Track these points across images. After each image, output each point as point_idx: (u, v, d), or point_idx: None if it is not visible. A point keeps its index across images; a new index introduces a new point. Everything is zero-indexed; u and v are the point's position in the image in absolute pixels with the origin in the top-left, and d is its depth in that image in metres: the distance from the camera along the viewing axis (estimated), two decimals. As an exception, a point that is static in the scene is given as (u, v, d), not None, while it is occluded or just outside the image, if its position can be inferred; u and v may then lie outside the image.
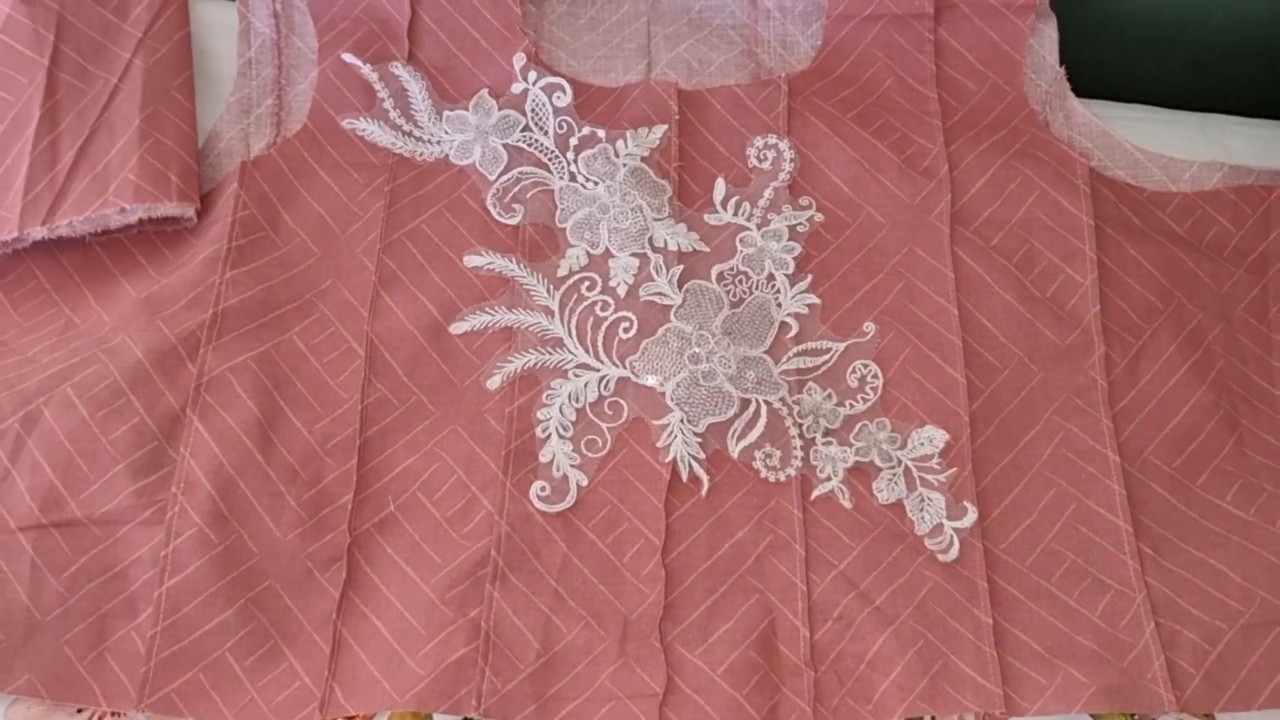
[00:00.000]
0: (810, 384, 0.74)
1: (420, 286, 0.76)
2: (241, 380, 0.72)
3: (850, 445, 0.72)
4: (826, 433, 0.73)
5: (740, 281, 0.76)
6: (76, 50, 0.78)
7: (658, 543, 0.69)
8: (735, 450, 0.72)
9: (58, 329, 0.74)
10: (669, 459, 0.71)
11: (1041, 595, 0.68)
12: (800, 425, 0.72)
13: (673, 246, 0.76)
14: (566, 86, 0.80)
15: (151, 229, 0.77)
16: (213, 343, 0.72)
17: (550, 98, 0.80)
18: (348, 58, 0.81)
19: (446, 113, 0.80)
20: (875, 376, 0.74)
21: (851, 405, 0.74)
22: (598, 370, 0.74)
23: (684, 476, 0.71)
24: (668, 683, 0.65)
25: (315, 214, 0.77)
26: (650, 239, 0.77)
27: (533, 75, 0.80)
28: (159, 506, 0.68)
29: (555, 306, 0.75)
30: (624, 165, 0.78)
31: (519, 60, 0.80)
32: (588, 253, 0.77)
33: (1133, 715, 0.66)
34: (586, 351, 0.74)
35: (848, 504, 0.71)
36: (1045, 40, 0.82)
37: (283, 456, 0.70)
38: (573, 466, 0.71)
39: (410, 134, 0.80)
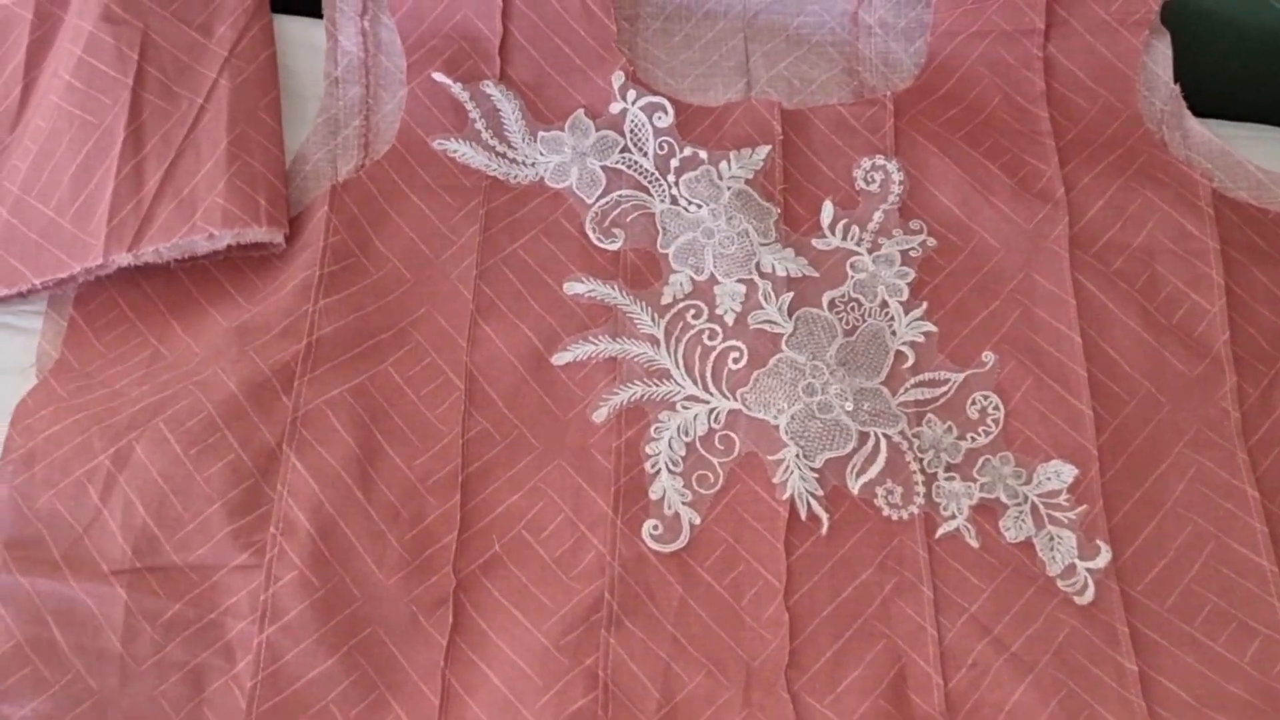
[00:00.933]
0: (929, 416, 0.71)
1: (520, 315, 0.72)
2: (338, 414, 0.68)
3: (974, 480, 0.69)
4: (948, 468, 0.69)
5: (852, 309, 0.73)
6: (161, 70, 0.75)
7: (778, 585, 0.66)
8: (855, 487, 0.68)
9: (145, 360, 0.71)
10: (786, 496, 0.68)
11: (1185, 640, 0.65)
12: (921, 460, 0.69)
13: (781, 272, 0.73)
14: (668, 106, 0.77)
15: (238, 254, 0.74)
16: (307, 375, 0.69)
17: (650, 118, 0.77)
18: (438, 77, 0.78)
19: (541, 133, 0.77)
20: (996, 408, 0.71)
21: (973, 439, 0.70)
22: (707, 402, 0.70)
23: (802, 515, 0.68)
24: (798, 734, 0.62)
25: (407, 239, 0.74)
26: (757, 264, 0.74)
27: (632, 94, 0.77)
28: (257, 549, 0.65)
29: (660, 335, 0.72)
30: (728, 188, 0.75)
31: (618, 79, 0.77)
32: (692, 279, 0.74)
33: (1288, 768, 0.63)
34: (695, 383, 0.71)
35: (974, 543, 0.67)
36: (1159, 57, 0.79)
37: (383, 494, 0.67)
38: (684, 504, 0.68)
39: (504, 155, 0.77)
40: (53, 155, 0.73)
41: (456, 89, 0.78)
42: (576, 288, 0.73)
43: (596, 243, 0.75)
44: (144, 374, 0.70)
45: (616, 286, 0.73)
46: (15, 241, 0.72)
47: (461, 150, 0.77)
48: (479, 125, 0.77)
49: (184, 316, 0.73)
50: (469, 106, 0.77)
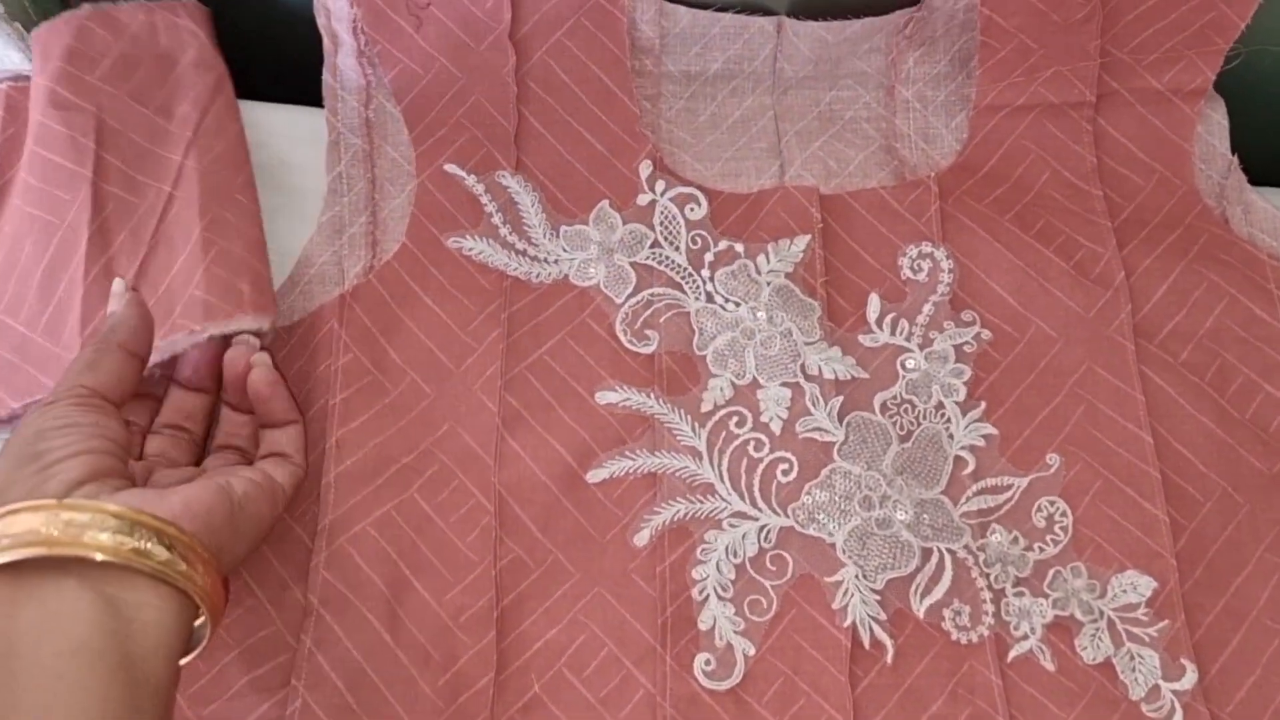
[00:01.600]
0: (994, 526, 0.66)
1: (549, 428, 0.67)
2: (363, 552, 0.63)
3: (1045, 596, 0.64)
4: (1017, 582, 0.65)
5: (905, 411, 0.68)
6: (121, 158, 0.69)
7: (844, 722, 0.61)
8: (921, 609, 0.64)
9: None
10: (848, 623, 0.63)
11: (1283, 768, 0.61)
12: (988, 575, 0.64)
13: (829, 374, 0.68)
14: (701, 198, 0.72)
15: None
16: (329, 515, 0.64)
17: (683, 210, 0.72)
18: (450, 168, 0.72)
19: (564, 228, 0.72)
20: (1064, 515, 0.66)
21: (1041, 549, 0.66)
22: (756, 519, 0.65)
23: (865, 642, 0.63)
24: None
25: (424, 349, 0.69)
26: (802, 366, 0.69)
27: (661, 185, 0.72)
28: (278, 700, 0.59)
29: (703, 447, 0.67)
30: (768, 283, 0.70)
31: (645, 168, 0.72)
32: (733, 383, 0.69)
33: None
34: (741, 498, 0.66)
35: (1050, 665, 0.63)
36: (1214, 127, 0.75)
37: (413, 636, 0.62)
38: (736, 633, 0.63)
39: (524, 253, 0.72)
40: (17, 264, 0.67)
41: (470, 181, 0.72)
42: (610, 396, 0.68)
43: (629, 345, 0.70)
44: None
45: (652, 394, 0.68)
46: None
47: (478, 248, 0.71)
48: (496, 220, 0.72)
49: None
50: (484, 200, 0.72)
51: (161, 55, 0.72)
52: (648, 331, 0.70)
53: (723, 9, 0.74)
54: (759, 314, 0.69)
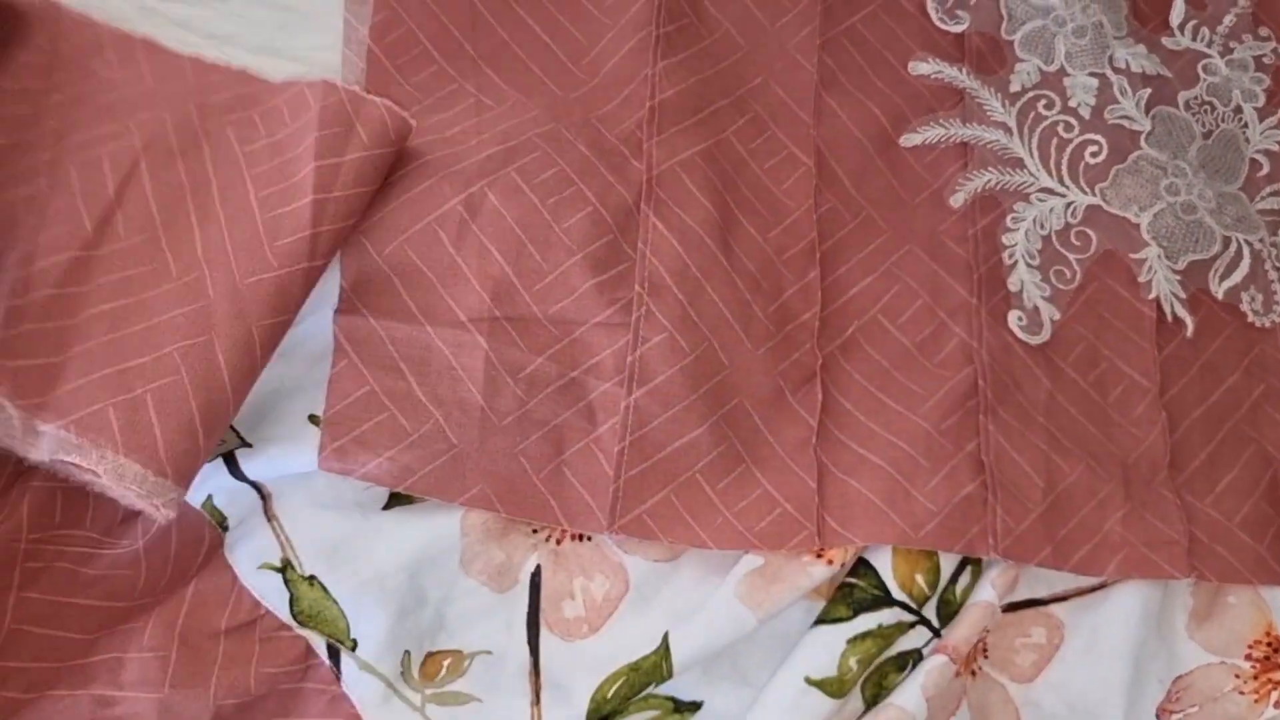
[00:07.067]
0: (1283, 227, 0.68)
1: (864, 91, 0.68)
2: (692, 176, 0.63)
3: (1332, 294, 0.67)
4: (1304, 279, 0.67)
5: (1206, 111, 0.70)
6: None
7: (1147, 385, 0.63)
8: (1220, 291, 0.66)
9: (469, 109, 0.65)
10: (1151, 296, 0.65)
11: None
12: (1279, 268, 0.67)
13: (1135, 68, 0.69)
14: (1024, -117, 0.72)
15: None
16: (655, 137, 0.64)
17: (1003, -105, 0.71)
18: None
19: (879, -95, 0.71)
20: (1349, 225, 0.69)
21: (1327, 253, 0.68)
22: (1064, 196, 0.67)
23: (1168, 316, 0.65)
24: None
25: (740, 3, 0.69)
26: (1111, 58, 0.69)
27: None
28: (621, 305, 0.60)
29: (1013, 123, 0.68)
30: (1081, -26, 0.71)
31: None
32: (1040, 69, 0.69)
33: None
34: (1050, 175, 0.67)
35: (1336, 355, 0.66)
36: None
37: (743, 263, 0.63)
38: (1043, 299, 0.65)
39: (837, -75, 0.71)
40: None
41: None
42: (922, 68, 0.69)
43: (938, 24, 0.70)
44: (476, 123, 0.64)
45: (963, 70, 0.69)
46: None
47: (791, -85, 0.71)
48: (810, -110, 0.71)
49: (501, 67, 0.67)
50: None
51: None
52: (959, 12, 0.70)
53: None
54: (1072, 4, 0.70)
